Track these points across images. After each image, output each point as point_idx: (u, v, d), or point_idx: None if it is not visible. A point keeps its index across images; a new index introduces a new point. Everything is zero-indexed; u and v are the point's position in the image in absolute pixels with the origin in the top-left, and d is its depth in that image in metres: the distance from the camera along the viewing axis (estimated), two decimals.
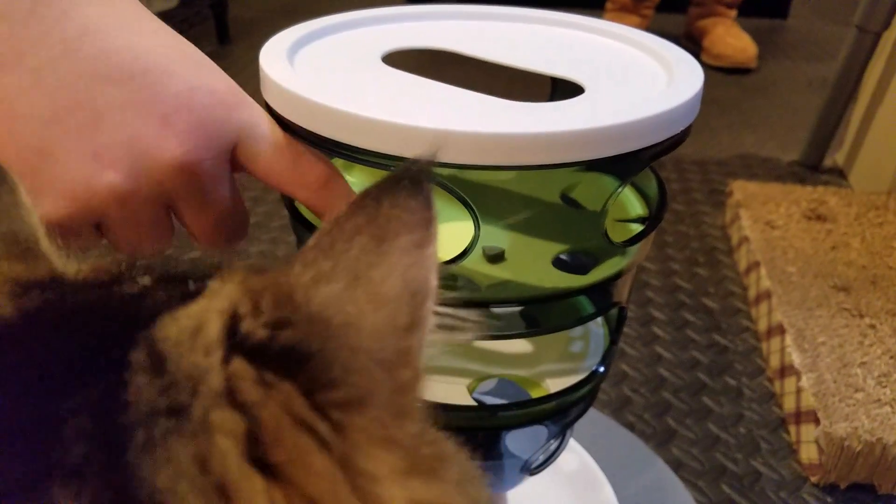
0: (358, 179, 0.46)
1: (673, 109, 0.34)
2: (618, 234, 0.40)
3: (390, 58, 0.41)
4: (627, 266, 0.40)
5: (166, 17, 1.63)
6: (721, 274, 0.97)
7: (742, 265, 0.97)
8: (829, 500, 0.66)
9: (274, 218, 1.07)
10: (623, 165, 0.36)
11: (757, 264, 0.89)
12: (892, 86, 1.11)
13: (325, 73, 0.37)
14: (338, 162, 0.46)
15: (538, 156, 0.32)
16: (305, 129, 0.34)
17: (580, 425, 0.67)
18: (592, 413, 0.72)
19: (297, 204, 0.42)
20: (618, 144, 0.33)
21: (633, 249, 0.40)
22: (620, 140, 0.33)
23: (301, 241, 0.42)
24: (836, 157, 1.26)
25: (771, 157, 1.30)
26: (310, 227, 0.39)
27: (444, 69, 0.40)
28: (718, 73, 1.71)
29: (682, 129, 0.36)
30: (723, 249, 1.03)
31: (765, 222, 0.96)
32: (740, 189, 1.04)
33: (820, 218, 0.97)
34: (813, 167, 1.24)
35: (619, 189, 0.36)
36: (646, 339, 0.85)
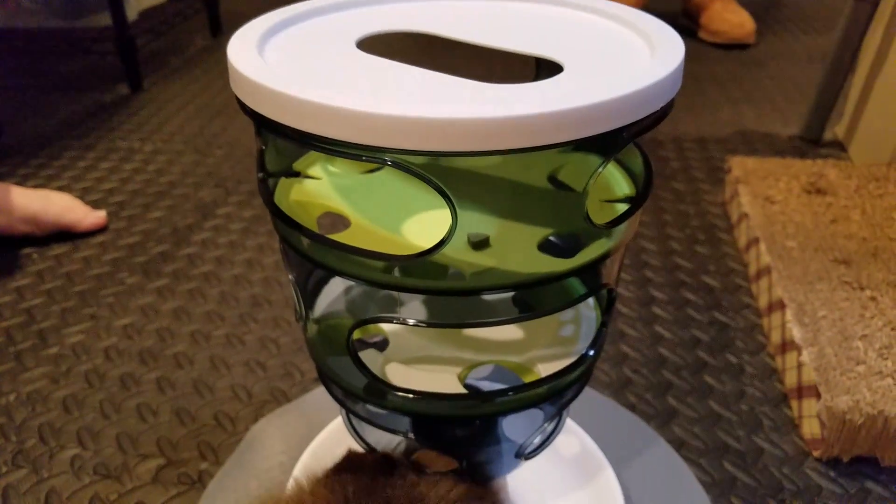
0: (340, 170, 0.46)
1: (653, 85, 0.33)
2: (605, 215, 0.39)
3: (365, 43, 0.40)
4: (614, 247, 0.40)
5: (158, 11, 1.62)
6: (721, 251, 0.96)
7: (742, 242, 0.96)
8: (831, 474, 0.66)
9: (261, 223, 1.07)
10: (605, 144, 0.35)
11: (756, 240, 0.89)
12: (890, 56, 1.10)
13: (296, 63, 0.37)
14: (317, 154, 0.45)
15: (516, 140, 0.31)
16: (279, 124, 0.33)
17: (581, 408, 0.66)
18: (593, 395, 0.72)
19: (276, 199, 0.41)
20: (598, 123, 0.32)
21: (619, 230, 0.39)
22: (600, 119, 0.32)
23: (283, 239, 0.41)
24: (836, 130, 1.24)
25: (771, 132, 1.29)
26: (293, 225, 0.38)
27: (421, 52, 0.40)
28: (717, 49, 1.70)
29: (663, 104, 0.35)
30: (723, 227, 1.02)
31: (764, 198, 0.95)
32: (739, 165, 1.02)
33: (819, 191, 0.96)
34: (813, 141, 1.22)
35: (599, 169, 0.35)
36: (646, 320, 0.84)
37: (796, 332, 0.73)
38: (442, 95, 0.33)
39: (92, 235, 1.02)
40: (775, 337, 0.79)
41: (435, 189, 0.33)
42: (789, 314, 0.76)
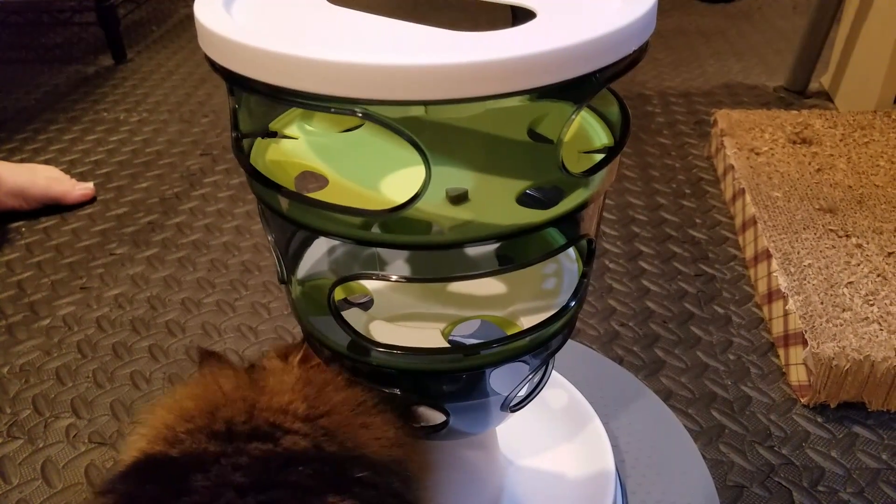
0: (317, 128, 0.46)
1: (623, 28, 0.33)
2: (584, 166, 0.39)
3: None
4: (591, 196, 0.40)
5: None
6: (708, 204, 0.97)
7: (728, 194, 0.96)
8: (819, 419, 0.67)
9: (249, 190, 1.07)
10: (578, 90, 0.35)
11: (742, 191, 0.89)
12: (874, 3, 1.09)
13: (266, 18, 0.36)
14: (296, 112, 0.45)
15: (484, 86, 0.31)
16: (245, 77, 0.33)
17: (568, 361, 0.67)
18: (580, 349, 0.73)
19: (252, 159, 0.41)
20: (568, 68, 0.32)
21: (596, 179, 0.39)
22: (571, 63, 0.32)
23: (261, 200, 0.41)
24: (822, 80, 1.24)
25: (757, 84, 1.28)
26: (270, 184, 0.38)
27: (397, 6, 0.39)
28: (702, 2, 1.68)
29: (635, 48, 0.34)
30: (709, 180, 1.02)
31: (749, 149, 0.95)
32: (724, 118, 1.02)
33: (805, 141, 0.96)
34: (799, 91, 1.22)
35: (573, 115, 0.35)
36: (633, 274, 0.85)
37: (782, 281, 0.74)
38: (410, 44, 0.33)
39: (80, 207, 1.01)
40: (762, 287, 0.79)
41: (407, 141, 0.33)
42: (775, 263, 0.76)
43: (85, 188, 1.02)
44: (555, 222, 0.39)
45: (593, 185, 0.40)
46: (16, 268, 0.90)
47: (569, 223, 0.40)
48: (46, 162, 1.11)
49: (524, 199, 0.40)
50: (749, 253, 0.85)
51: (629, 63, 0.35)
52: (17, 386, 0.73)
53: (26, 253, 0.92)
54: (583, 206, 0.39)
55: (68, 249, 0.93)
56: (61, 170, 1.04)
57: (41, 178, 0.99)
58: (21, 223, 0.98)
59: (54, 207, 1.00)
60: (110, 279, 0.87)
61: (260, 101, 0.41)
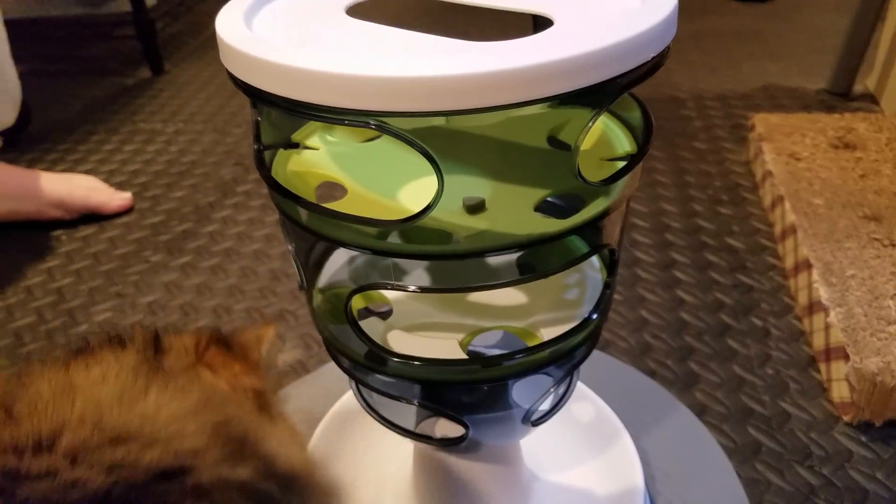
0: (338, 138, 0.45)
1: (641, 34, 0.32)
2: (606, 174, 0.38)
3: (355, 10, 0.39)
4: (612, 205, 0.38)
5: None
6: (745, 211, 0.94)
7: (766, 201, 0.93)
8: (863, 438, 0.64)
9: (268, 212, 1.07)
10: (597, 97, 0.34)
11: (781, 198, 0.86)
12: None
13: (286, 34, 0.36)
14: (316, 124, 0.45)
15: (503, 95, 0.30)
16: (274, 95, 0.32)
17: (598, 374, 0.66)
18: (610, 361, 0.71)
19: (274, 170, 0.41)
20: (589, 74, 0.31)
21: (617, 187, 0.38)
22: (591, 69, 0.31)
23: (280, 210, 0.41)
24: (867, 82, 1.20)
25: (797, 86, 1.25)
26: (287, 194, 0.38)
27: (417, 18, 0.39)
28: (738, 2, 1.65)
29: (654, 54, 0.33)
30: (747, 186, 0.99)
31: (789, 154, 0.92)
32: (762, 122, 0.99)
33: (848, 146, 0.92)
34: (842, 94, 1.18)
35: (589, 124, 0.34)
36: (666, 284, 0.82)
37: (823, 292, 0.71)
38: (429, 55, 0.32)
39: (117, 216, 1.03)
40: (802, 298, 0.77)
41: (419, 152, 0.33)
42: (816, 274, 0.73)
43: (123, 198, 1.04)
44: (574, 231, 0.38)
45: (614, 194, 0.38)
46: (56, 275, 0.92)
47: (589, 232, 0.39)
48: (87, 172, 1.13)
49: (544, 207, 0.39)
50: (789, 262, 0.82)
51: (650, 68, 0.34)
52: None
53: (66, 261, 0.94)
54: (603, 214, 0.38)
55: (105, 257, 0.94)
56: (100, 180, 1.06)
57: (79, 187, 1.01)
58: (61, 232, 1.00)
59: (93, 216, 1.02)
60: (145, 286, 0.89)
61: (276, 111, 0.41)
